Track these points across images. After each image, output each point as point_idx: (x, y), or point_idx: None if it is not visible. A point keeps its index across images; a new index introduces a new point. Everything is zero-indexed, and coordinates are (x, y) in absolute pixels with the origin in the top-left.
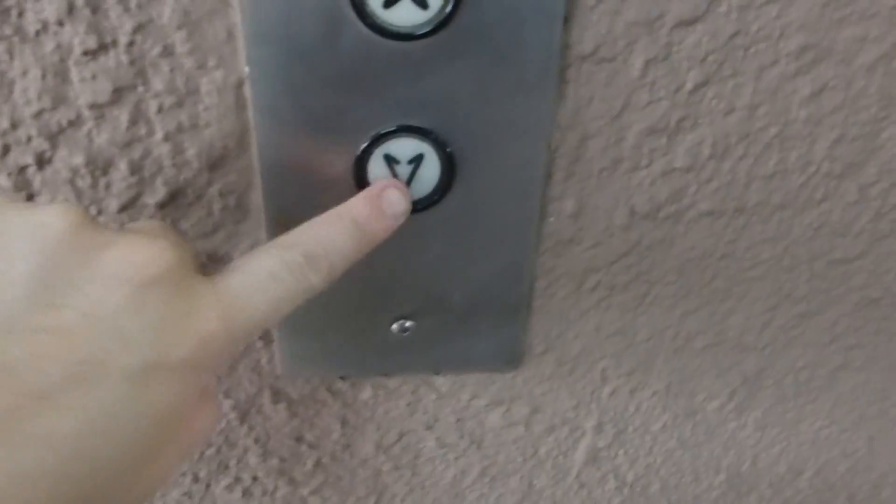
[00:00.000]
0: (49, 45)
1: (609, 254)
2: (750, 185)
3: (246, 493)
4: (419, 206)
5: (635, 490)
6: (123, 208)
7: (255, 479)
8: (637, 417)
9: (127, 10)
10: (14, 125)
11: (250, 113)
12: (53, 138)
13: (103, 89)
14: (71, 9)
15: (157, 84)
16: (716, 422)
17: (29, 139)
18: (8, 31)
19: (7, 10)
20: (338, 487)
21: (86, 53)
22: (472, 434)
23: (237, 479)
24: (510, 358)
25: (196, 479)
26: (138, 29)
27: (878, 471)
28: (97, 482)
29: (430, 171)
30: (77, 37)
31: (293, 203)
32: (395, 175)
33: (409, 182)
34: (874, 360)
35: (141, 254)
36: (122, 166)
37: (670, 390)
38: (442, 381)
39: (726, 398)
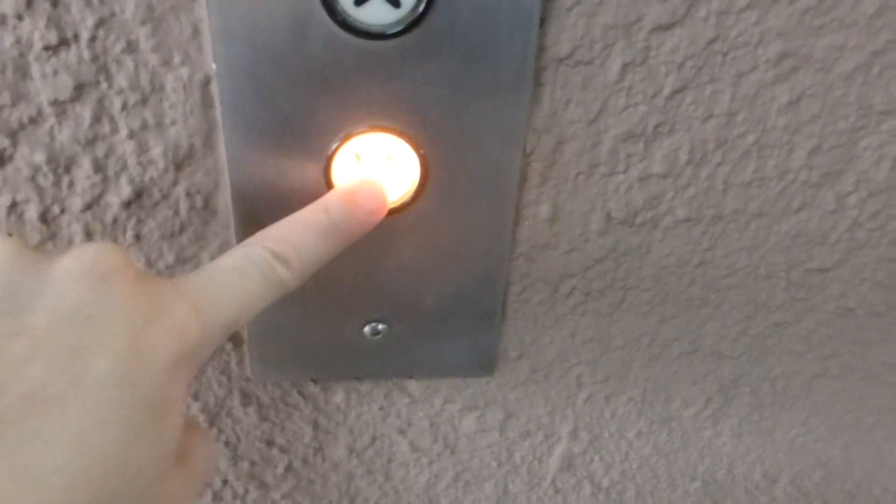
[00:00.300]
0: (8, 39)
1: (585, 259)
2: (727, 192)
3: (216, 497)
4: (391, 208)
5: (610, 496)
6: (87, 207)
7: (225, 482)
8: (612, 423)
9: (89, 4)
10: None
11: (217, 111)
12: (13, 135)
13: (65, 85)
14: (30, 2)
15: (121, 81)
16: (691, 429)
17: None
18: None
19: None
20: (309, 492)
21: (46, 49)
22: (446, 439)
23: (207, 483)
24: (484, 363)
25: None
26: (100, 24)
27: (853, 479)
28: (108, 474)
29: (403, 173)
30: (37, 31)
31: (262, 204)
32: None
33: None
34: (850, 370)
35: (90, 252)
36: (86, 164)
37: (646, 397)
38: (415, 386)
39: (702, 405)
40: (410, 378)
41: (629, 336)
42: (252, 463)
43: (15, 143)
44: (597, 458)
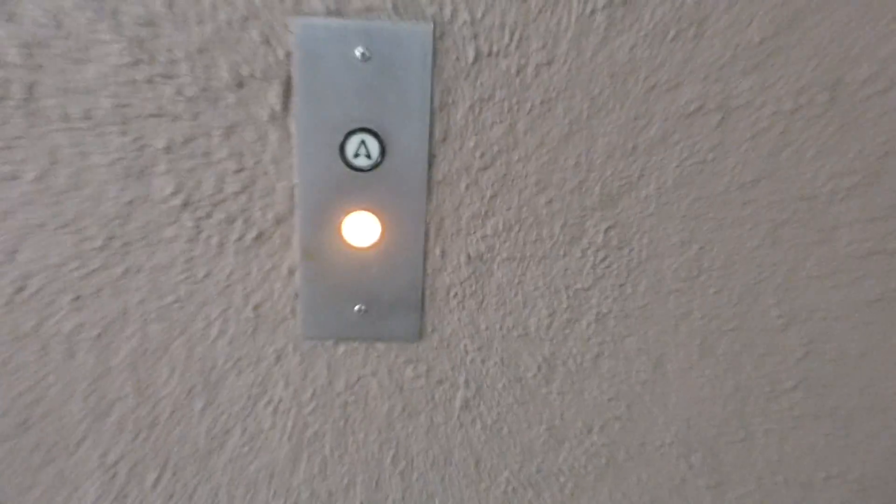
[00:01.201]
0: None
1: (460, 277)
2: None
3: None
4: (367, 246)
5: (492, 431)
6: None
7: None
8: (488, 378)
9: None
10: None
11: (296, 201)
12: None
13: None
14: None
15: (255, 197)
16: (534, 386)
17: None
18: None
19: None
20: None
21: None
22: (397, 381)
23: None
24: (413, 334)
25: None
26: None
27: None
28: None
29: (371, 230)
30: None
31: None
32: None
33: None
34: None
35: None
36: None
37: (504, 360)
38: (380, 345)
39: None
40: (377, 340)
41: (491, 320)
42: (287, 384)
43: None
44: (482, 403)
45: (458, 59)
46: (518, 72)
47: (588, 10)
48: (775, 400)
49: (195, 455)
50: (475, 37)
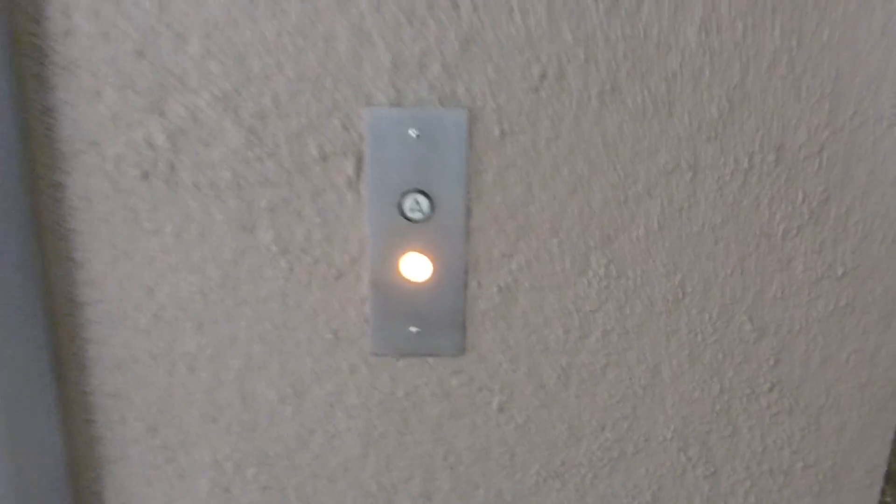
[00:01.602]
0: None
1: (490, 304)
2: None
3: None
4: (420, 281)
5: (524, 430)
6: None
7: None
8: (518, 385)
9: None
10: None
11: (368, 254)
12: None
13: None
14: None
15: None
16: None
17: None
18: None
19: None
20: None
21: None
22: (445, 389)
23: None
24: (458, 350)
25: None
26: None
27: None
28: None
29: (423, 267)
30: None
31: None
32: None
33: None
34: None
35: None
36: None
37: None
38: (431, 359)
39: None
40: (429, 355)
41: (518, 338)
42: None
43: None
44: (514, 406)
45: (487, 136)
46: (533, 144)
47: (585, 96)
48: (755, 400)
49: (286, 452)
50: (500, 120)
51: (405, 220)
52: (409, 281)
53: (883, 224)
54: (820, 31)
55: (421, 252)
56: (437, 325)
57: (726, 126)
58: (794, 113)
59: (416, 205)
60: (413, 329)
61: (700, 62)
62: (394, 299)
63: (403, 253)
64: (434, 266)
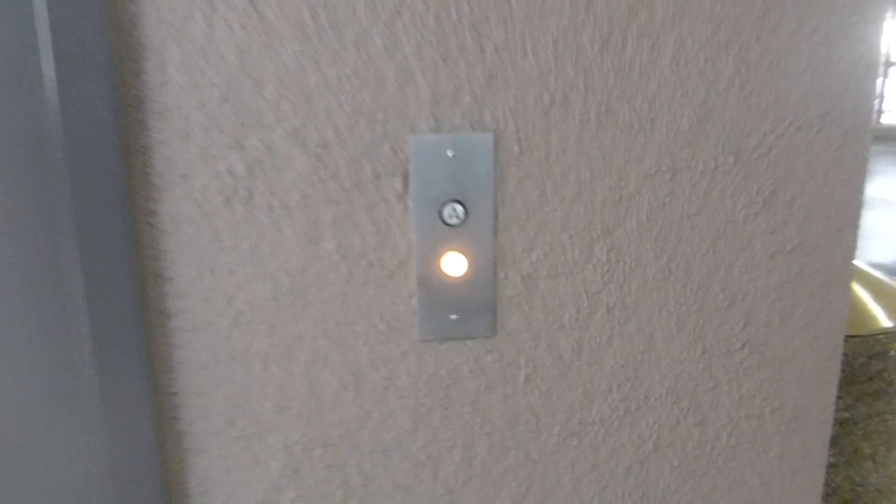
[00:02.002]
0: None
1: (514, 292)
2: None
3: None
4: (458, 276)
5: (546, 396)
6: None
7: None
8: (539, 358)
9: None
10: None
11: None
12: None
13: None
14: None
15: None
16: None
17: None
18: None
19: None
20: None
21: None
22: (481, 366)
23: None
24: (490, 332)
25: None
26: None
27: None
28: None
29: (461, 264)
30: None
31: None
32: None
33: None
34: None
35: None
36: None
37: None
38: (469, 341)
39: None
40: (467, 338)
41: (539, 318)
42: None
43: None
44: (537, 377)
45: (509, 153)
46: (546, 157)
47: (585, 117)
48: (730, 357)
49: (347, 433)
50: (518, 139)
51: (445, 226)
52: (448, 276)
53: (818, 207)
54: (763, 60)
55: (458, 251)
56: (473, 311)
57: (696, 136)
58: (746, 123)
59: (453, 212)
60: (453, 317)
61: (673, 87)
62: (437, 292)
63: (444, 253)
64: (469, 262)
